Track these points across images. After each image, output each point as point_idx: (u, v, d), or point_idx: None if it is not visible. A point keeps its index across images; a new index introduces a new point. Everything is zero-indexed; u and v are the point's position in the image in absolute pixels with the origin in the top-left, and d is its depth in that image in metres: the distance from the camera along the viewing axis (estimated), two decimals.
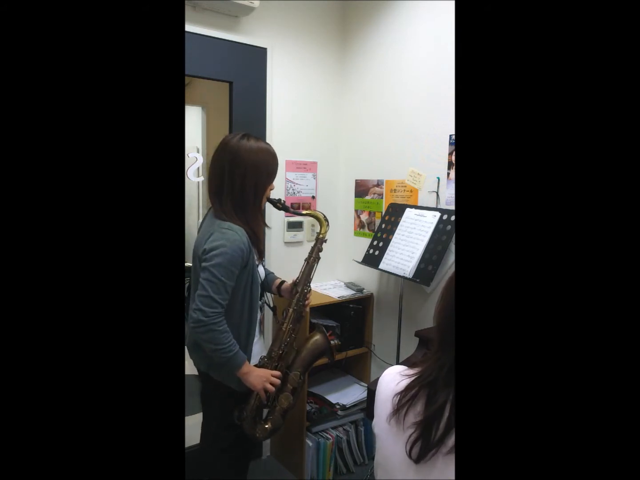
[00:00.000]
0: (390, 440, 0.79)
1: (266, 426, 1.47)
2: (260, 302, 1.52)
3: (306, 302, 1.53)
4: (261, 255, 1.48)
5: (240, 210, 1.37)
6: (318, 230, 1.56)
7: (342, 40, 2.39)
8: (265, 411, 1.53)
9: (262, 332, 1.58)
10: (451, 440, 0.70)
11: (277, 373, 1.44)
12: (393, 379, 0.83)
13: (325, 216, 1.58)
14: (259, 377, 1.40)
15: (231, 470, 1.58)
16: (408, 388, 0.78)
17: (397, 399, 0.79)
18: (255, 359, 1.49)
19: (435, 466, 0.72)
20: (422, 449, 0.73)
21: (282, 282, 1.63)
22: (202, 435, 1.69)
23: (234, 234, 1.32)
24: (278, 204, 1.50)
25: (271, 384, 1.41)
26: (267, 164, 1.40)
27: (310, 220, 2.34)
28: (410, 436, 0.74)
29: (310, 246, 1.56)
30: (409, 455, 0.74)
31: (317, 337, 1.53)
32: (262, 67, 2.14)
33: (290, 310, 1.50)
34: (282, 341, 1.48)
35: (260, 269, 1.50)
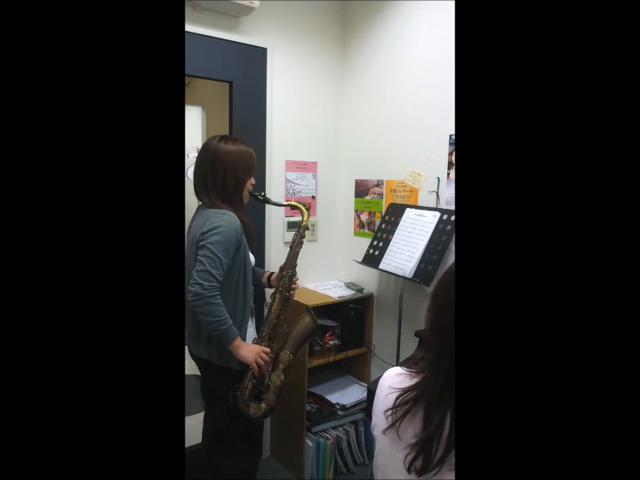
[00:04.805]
0: (389, 450, 0.78)
1: (261, 405, 1.55)
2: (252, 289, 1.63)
3: (293, 285, 1.67)
4: (250, 241, 1.62)
5: (227, 202, 1.53)
6: (300, 219, 1.70)
7: (342, 40, 2.39)
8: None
9: (253, 316, 1.68)
10: (454, 458, 0.68)
11: (267, 349, 1.55)
12: (389, 385, 0.81)
13: (305, 205, 1.72)
14: (251, 351, 1.50)
15: (240, 467, 1.60)
16: (400, 404, 0.76)
17: (389, 413, 0.77)
18: (248, 342, 1.58)
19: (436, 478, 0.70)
20: (423, 465, 0.71)
21: (272, 273, 1.76)
22: (204, 433, 1.70)
23: (229, 217, 1.47)
24: (259, 197, 1.66)
25: (262, 358, 1.51)
26: (244, 162, 1.55)
27: (310, 221, 2.33)
28: (407, 455, 0.73)
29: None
30: (408, 472, 0.72)
31: (306, 318, 1.66)
32: (262, 67, 2.13)
33: (277, 293, 1.63)
34: (270, 322, 1.60)
35: (251, 255, 1.63)
